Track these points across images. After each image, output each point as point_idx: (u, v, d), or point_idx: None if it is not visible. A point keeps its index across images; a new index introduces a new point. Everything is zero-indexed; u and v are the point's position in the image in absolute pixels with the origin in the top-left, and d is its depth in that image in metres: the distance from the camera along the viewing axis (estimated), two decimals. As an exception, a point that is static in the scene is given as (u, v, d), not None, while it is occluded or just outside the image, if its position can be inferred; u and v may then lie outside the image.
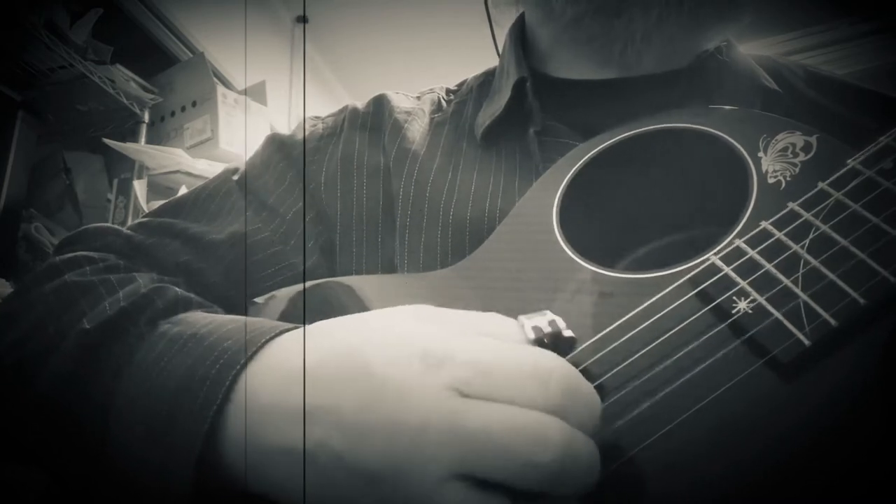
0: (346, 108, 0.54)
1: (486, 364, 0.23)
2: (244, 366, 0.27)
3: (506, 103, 0.47)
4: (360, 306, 0.34)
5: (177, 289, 0.38)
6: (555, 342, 0.26)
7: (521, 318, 0.27)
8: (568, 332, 0.27)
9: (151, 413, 0.29)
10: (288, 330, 0.29)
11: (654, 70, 0.47)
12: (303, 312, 0.35)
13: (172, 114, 1.58)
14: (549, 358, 0.24)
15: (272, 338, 0.28)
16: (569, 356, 0.27)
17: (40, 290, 0.38)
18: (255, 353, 0.28)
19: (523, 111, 0.47)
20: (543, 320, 0.26)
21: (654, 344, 0.27)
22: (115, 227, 0.47)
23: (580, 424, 0.22)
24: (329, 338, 0.26)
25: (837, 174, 0.30)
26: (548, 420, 0.22)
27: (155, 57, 1.61)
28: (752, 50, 0.52)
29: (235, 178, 0.51)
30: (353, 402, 0.23)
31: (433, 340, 0.24)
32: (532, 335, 0.26)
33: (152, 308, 0.35)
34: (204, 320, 0.32)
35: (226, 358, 0.28)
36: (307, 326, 0.28)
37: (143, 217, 0.50)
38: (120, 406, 0.30)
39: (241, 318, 0.32)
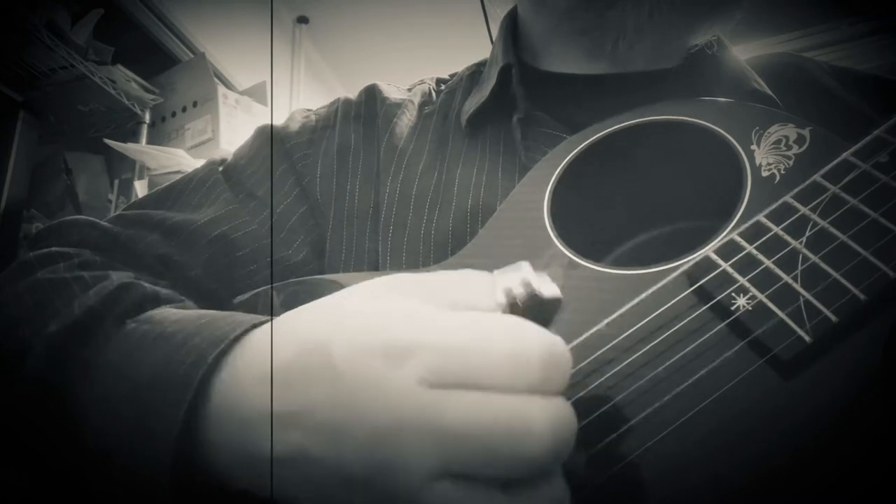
0: (337, 100, 0.54)
1: (457, 347, 0.22)
2: (213, 364, 0.26)
3: (491, 90, 0.47)
4: None
5: (146, 284, 0.36)
6: (532, 304, 0.24)
7: (497, 273, 0.25)
8: (551, 292, 0.25)
9: (124, 415, 0.27)
10: (256, 325, 0.28)
11: (644, 67, 0.47)
12: (270, 312, 0.34)
13: (173, 114, 1.58)
14: (524, 331, 0.22)
15: (243, 333, 0.27)
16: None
17: (13, 289, 0.37)
18: (227, 349, 0.26)
19: (508, 98, 0.47)
20: (516, 279, 0.25)
21: (653, 342, 0.27)
22: (92, 219, 0.45)
23: (559, 386, 0.22)
24: (294, 333, 0.25)
25: (832, 167, 0.29)
26: (529, 406, 0.21)
27: (156, 57, 1.61)
28: (753, 51, 0.52)
29: (221, 168, 0.50)
30: (324, 403, 0.22)
31: (398, 327, 0.23)
32: (503, 299, 0.24)
33: (120, 306, 0.33)
34: (172, 317, 0.31)
35: (194, 357, 0.26)
36: (274, 321, 0.27)
37: (124, 209, 0.48)
38: (93, 407, 0.29)
39: (212, 313, 0.30)
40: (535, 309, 0.25)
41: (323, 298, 0.27)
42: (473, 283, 0.26)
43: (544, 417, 0.20)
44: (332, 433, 0.22)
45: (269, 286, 0.37)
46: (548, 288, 0.25)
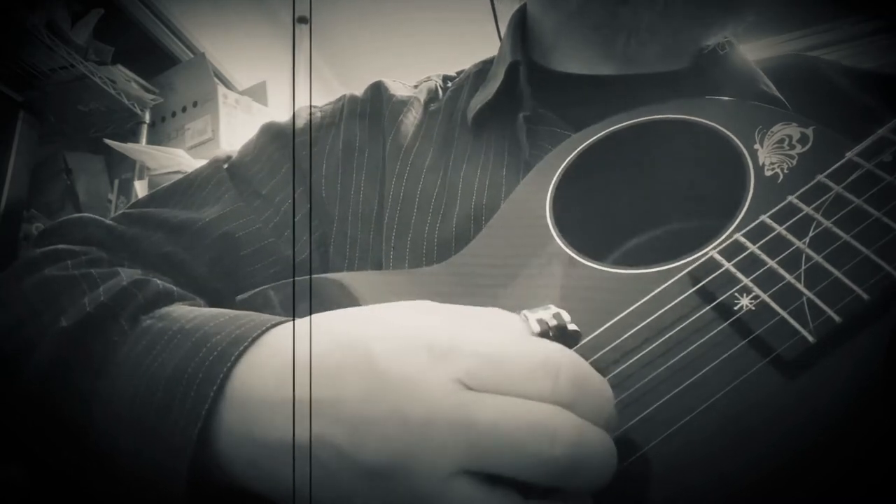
0: (343, 96, 0.53)
1: (494, 356, 0.23)
2: (235, 362, 0.26)
3: (498, 87, 0.47)
4: (351, 302, 0.33)
5: (159, 281, 0.36)
6: (560, 336, 0.26)
7: (525, 312, 0.26)
8: (573, 326, 0.26)
9: (140, 412, 0.27)
10: (280, 323, 0.28)
11: (653, 68, 0.47)
12: (292, 306, 0.34)
13: (173, 114, 1.58)
14: (558, 350, 0.23)
15: (264, 332, 0.27)
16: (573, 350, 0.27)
17: (18, 287, 0.37)
18: (247, 347, 0.27)
19: (515, 96, 0.47)
20: (548, 314, 0.26)
21: (657, 343, 0.27)
22: (97, 217, 0.45)
23: (593, 416, 0.22)
24: (328, 329, 0.26)
25: (836, 167, 0.29)
26: (557, 413, 0.21)
27: (155, 57, 1.61)
28: (755, 50, 0.51)
29: (226, 166, 0.49)
30: (355, 395, 0.23)
31: (439, 331, 0.24)
32: (537, 328, 0.25)
33: (134, 302, 0.33)
34: (189, 314, 0.31)
35: (216, 354, 0.27)
36: (300, 320, 0.27)
37: (129, 207, 0.48)
38: (104, 405, 0.29)
39: (228, 311, 0.31)
40: (561, 340, 0.26)
41: (348, 309, 0.27)
42: (505, 316, 0.26)
43: (569, 427, 0.21)
44: (356, 425, 0.23)
45: (270, 286, 0.37)
46: (571, 323, 0.27)
